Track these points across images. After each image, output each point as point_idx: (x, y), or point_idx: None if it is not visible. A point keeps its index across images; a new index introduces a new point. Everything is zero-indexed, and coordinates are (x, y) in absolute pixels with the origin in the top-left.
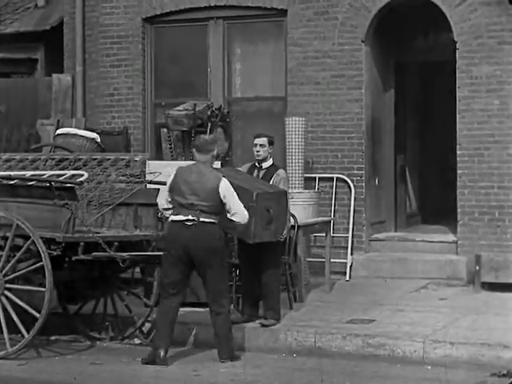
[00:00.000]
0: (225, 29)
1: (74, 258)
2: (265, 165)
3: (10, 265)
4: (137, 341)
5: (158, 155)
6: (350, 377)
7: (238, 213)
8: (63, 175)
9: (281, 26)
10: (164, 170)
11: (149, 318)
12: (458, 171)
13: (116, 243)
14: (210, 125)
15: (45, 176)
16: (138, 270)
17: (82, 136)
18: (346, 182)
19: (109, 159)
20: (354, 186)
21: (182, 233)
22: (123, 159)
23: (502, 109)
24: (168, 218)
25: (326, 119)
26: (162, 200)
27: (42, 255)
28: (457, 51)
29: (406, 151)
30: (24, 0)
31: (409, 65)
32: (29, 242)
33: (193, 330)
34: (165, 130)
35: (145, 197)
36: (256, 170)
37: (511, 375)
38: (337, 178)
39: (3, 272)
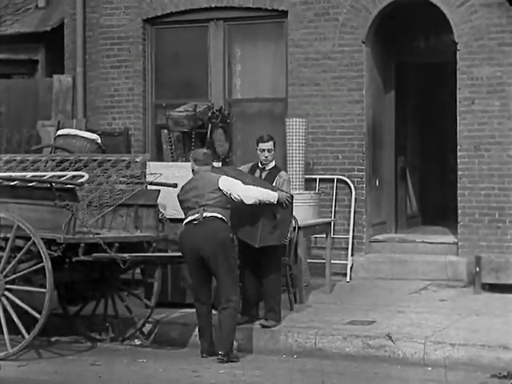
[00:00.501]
0: (225, 30)
1: (74, 259)
2: (268, 166)
3: (10, 266)
4: (137, 342)
5: (159, 156)
6: (351, 378)
7: (248, 196)
8: (64, 176)
9: (281, 28)
10: (165, 171)
11: (149, 319)
12: (459, 172)
13: (116, 244)
14: (210, 126)
15: (45, 177)
16: (138, 270)
17: (82, 137)
18: (346, 183)
19: (109, 160)
20: (355, 187)
21: (189, 232)
22: (124, 160)
23: (503, 110)
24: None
25: (326, 120)
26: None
27: (43, 256)
28: (457, 52)
29: (406, 152)
30: (25, 1)
31: (409, 66)
32: (29, 242)
33: (193, 331)
34: (165, 131)
35: (145, 198)
36: (258, 171)
37: (511, 376)
38: (337, 180)
39: (4, 273)
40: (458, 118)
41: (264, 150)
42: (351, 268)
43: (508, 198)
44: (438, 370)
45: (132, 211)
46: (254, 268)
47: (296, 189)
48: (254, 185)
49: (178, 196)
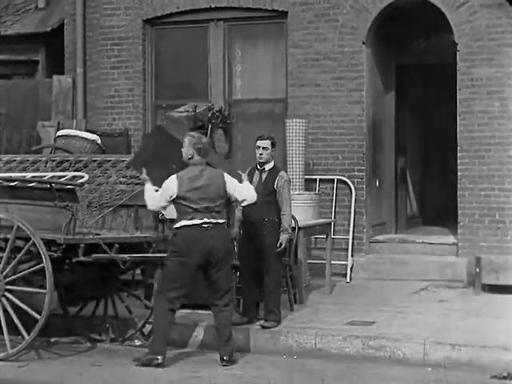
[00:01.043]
0: (225, 30)
1: (74, 260)
2: (267, 167)
3: (10, 266)
4: (137, 342)
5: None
6: (351, 378)
7: (248, 198)
8: (64, 177)
9: (281, 28)
10: None
11: (149, 320)
12: (459, 173)
13: (116, 245)
14: (210, 126)
15: (45, 177)
16: (138, 271)
17: (82, 138)
18: (346, 183)
19: (109, 161)
20: (355, 187)
21: (201, 236)
22: (124, 161)
23: (503, 111)
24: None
25: (326, 121)
26: (156, 205)
27: (43, 257)
28: (457, 53)
29: (406, 153)
30: (25, 2)
31: (409, 67)
32: (29, 243)
33: (193, 332)
34: None
35: None
36: (258, 173)
37: (511, 377)
38: (337, 180)
39: (4, 273)
40: (457, 118)
41: (259, 147)
42: (351, 268)
43: (508, 198)
44: (437, 370)
45: (132, 212)
46: (253, 268)
47: (296, 189)
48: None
49: (174, 193)
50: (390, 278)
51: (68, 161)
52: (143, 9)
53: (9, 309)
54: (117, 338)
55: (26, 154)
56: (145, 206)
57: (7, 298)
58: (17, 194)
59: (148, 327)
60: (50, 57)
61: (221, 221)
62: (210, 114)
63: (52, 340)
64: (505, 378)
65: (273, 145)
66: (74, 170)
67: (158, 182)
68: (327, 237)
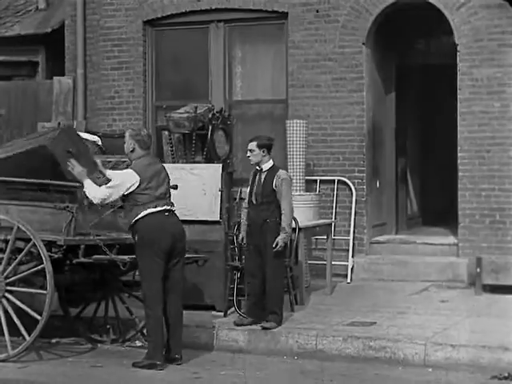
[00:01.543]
0: (226, 32)
1: (74, 261)
2: (265, 167)
3: (11, 267)
4: (138, 343)
5: (159, 158)
6: (351, 379)
7: None
8: None
9: (282, 29)
10: None
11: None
12: (459, 173)
13: (117, 246)
14: (211, 127)
15: None
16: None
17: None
18: (347, 184)
19: (110, 162)
20: (355, 188)
21: (167, 222)
22: (124, 162)
23: (503, 111)
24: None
25: (326, 122)
26: (110, 198)
27: (43, 258)
28: (458, 54)
29: (406, 154)
30: (25, 3)
31: (410, 67)
32: (30, 244)
33: (193, 333)
34: (166, 132)
35: None
36: (258, 173)
37: None
38: (338, 181)
39: (4, 274)
40: (458, 119)
41: (248, 150)
42: (352, 269)
43: (508, 199)
44: (438, 371)
45: None
46: (258, 270)
47: (296, 190)
48: None
49: (136, 180)
50: (391, 278)
51: None
52: (143, 10)
53: (9, 310)
54: (117, 338)
55: None
56: None
57: (8, 299)
58: (17, 195)
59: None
60: (50, 58)
61: (173, 208)
62: (210, 115)
63: (53, 341)
64: (505, 378)
65: (261, 146)
66: None
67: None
68: (328, 237)
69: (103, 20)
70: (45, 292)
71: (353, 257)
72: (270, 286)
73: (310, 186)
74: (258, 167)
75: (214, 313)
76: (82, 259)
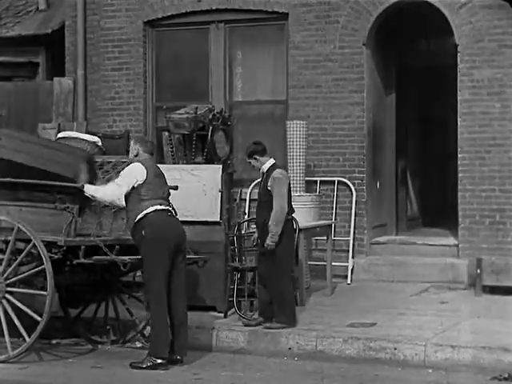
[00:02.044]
0: (226, 32)
1: (75, 262)
2: (264, 168)
3: (11, 268)
4: (138, 344)
5: (160, 158)
6: (352, 380)
7: None
8: None
9: (282, 30)
10: (165, 174)
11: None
12: (459, 174)
13: (117, 247)
14: (211, 128)
15: None
16: (139, 273)
17: (83, 139)
18: (347, 185)
19: (110, 162)
20: (355, 189)
21: (172, 222)
22: (124, 162)
23: (504, 112)
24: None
25: (327, 122)
26: (119, 196)
27: (44, 259)
28: (458, 54)
29: (407, 154)
30: (25, 3)
31: (410, 68)
32: (30, 245)
33: (194, 334)
34: (166, 133)
35: None
36: (262, 175)
37: None
38: (338, 182)
39: (5, 275)
40: (458, 119)
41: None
42: (352, 270)
43: (509, 199)
44: (438, 372)
45: None
46: (267, 270)
47: (297, 191)
48: None
49: (143, 177)
50: (391, 279)
51: None
52: (144, 10)
53: (10, 311)
54: (118, 339)
55: None
56: None
57: (8, 300)
58: (17, 196)
59: (149, 329)
60: (50, 59)
61: (173, 210)
62: (210, 116)
63: (53, 342)
64: (505, 379)
65: (250, 155)
66: None
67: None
68: (328, 238)
69: (103, 21)
70: (45, 293)
71: (353, 258)
72: (274, 286)
73: (310, 186)
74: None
75: (214, 314)
76: (83, 260)
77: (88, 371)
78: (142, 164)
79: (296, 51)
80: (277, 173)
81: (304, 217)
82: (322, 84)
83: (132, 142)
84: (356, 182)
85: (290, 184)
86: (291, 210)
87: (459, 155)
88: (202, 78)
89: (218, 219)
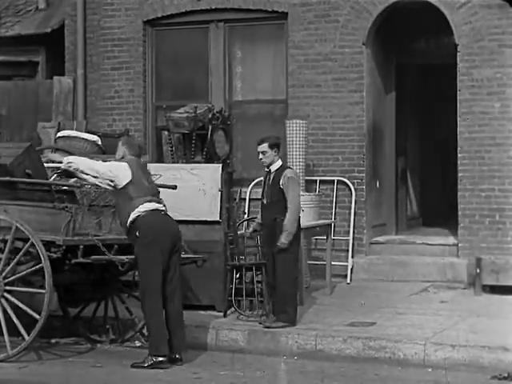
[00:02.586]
0: (226, 31)
1: (73, 261)
2: (273, 168)
3: (9, 267)
4: (137, 343)
5: (159, 158)
6: (351, 380)
7: None
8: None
9: (282, 29)
10: (165, 173)
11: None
12: (459, 174)
13: (116, 246)
14: (210, 127)
15: None
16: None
17: (82, 138)
18: (346, 184)
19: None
20: (355, 188)
21: (165, 221)
22: None
23: (503, 111)
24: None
25: (326, 122)
26: (96, 167)
27: (42, 257)
28: (458, 54)
29: (406, 154)
30: (25, 3)
31: (410, 67)
32: (28, 244)
33: (193, 333)
34: (166, 132)
35: None
36: (268, 174)
37: None
38: (337, 181)
39: (3, 274)
40: (458, 119)
41: (259, 153)
42: (351, 270)
43: (508, 199)
44: (438, 371)
45: None
46: (271, 269)
47: None
48: None
49: (130, 174)
50: (391, 279)
51: None
52: (144, 10)
53: (8, 310)
54: (117, 339)
55: None
56: None
57: (7, 299)
58: (16, 195)
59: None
60: (50, 58)
61: (165, 209)
62: (210, 115)
63: (52, 341)
64: (505, 378)
65: (273, 146)
66: None
67: None
68: (327, 238)
69: (103, 20)
70: (43, 291)
71: (352, 257)
72: (280, 285)
73: (309, 186)
74: (266, 168)
75: (213, 313)
76: (81, 259)
77: (87, 370)
78: (128, 163)
79: (296, 50)
80: (290, 172)
81: (303, 216)
82: (321, 83)
83: (120, 144)
84: (355, 181)
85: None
86: None
87: (459, 155)
88: (202, 78)
89: (218, 218)
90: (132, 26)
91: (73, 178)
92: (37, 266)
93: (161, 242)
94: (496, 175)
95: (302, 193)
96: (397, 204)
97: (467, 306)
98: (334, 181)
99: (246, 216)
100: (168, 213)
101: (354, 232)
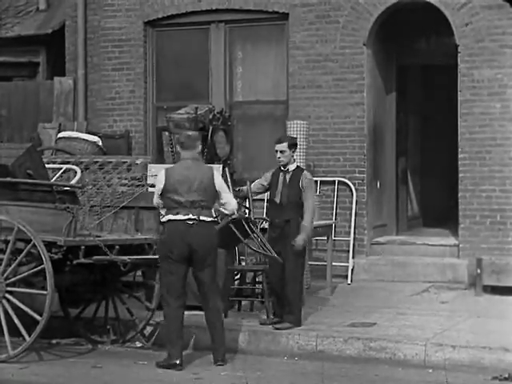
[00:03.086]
0: (226, 32)
1: (75, 262)
2: (291, 167)
3: (11, 268)
4: (138, 344)
5: (160, 158)
6: (352, 380)
7: (229, 203)
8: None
9: (282, 30)
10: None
11: (150, 322)
12: (460, 174)
13: (117, 247)
14: (211, 128)
15: None
16: (139, 273)
17: (83, 139)
18: (347, 185)
19: (110, 162)
20: (356, 189)
21: (185, 232)
22: (124, 162)
23: (504, 112)
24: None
25: (327, 123)
26: (156, 197)
27: (43, 258)
28: (458, 55)
29: (407, 154)
30: (26, 4)
31: (410, 68)
32: (30, 245)
33: (193, 334)
34: (166, 133)
35: (146, 200)
36: (282, 173)
37: None
38: (338, 182)
39: (5, 275)
40: (459, 120)
41: (277, 151)
42: (352, 270)
43: (509, 200)
44: (438, 372)
45: (133, 214)
46: (282, 270)
47: None
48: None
49: (161, 184)
50: (391, 279)
51: (69, 162)
52: (144, 10)
53: (10, 310)
54: (118, 339)
55: None
56: (145, 208)
57: (8, 300)
58: (17, 196)
59: (149, 329)
60: (50, 59)
61: (207, 219)
62: (210, 116)
63: (53, 342)
64: (506, 379)
65: (291, 146)
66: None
67: None
68: (328, 238)
69: (104, 21)
70: (45, 292)
71: (353, 258)
72: (290, 287)
73: None
74: (283, 168)
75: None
76: (83, 260)
77: (88, 371)
78: (166, 171)
79: (296, 51)
80: (308, 174)
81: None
82: (322, 84)
83: (176, 139)
84: (356, 182)
85: None
86: None
87: (460, 155)
88: (203, 78)
89: (218, 219)
90: (133, 27)
91: None
92: (38, 267)
93: (172, 252)
94: (497, 176)
95: None
96: (397, 204)
97: (468, 307)
98: (334, 181)
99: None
100: (203, 220)
101: (354, 232)
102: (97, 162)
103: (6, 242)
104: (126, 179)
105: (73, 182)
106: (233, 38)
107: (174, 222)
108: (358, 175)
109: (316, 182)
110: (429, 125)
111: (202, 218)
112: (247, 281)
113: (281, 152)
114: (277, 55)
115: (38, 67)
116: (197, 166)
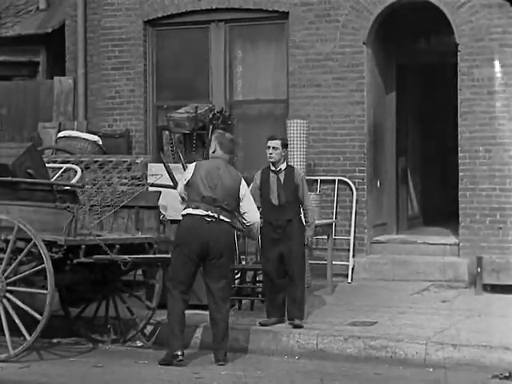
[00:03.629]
0: (226, 31)
1: (75, 261)
2: (282, 167)
3: (11, 267)
4: (139, 343)
5: (160, 158)
6: (352, 379)
7: (250, 213)
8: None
9: (282, 29)
10: (165, 173)
11: (151, 321)
12: (460, 173)
13: (117, 246)
14: (211, 127)
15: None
16: (139, 272)
17: (83, 139)
18: (347, 184)
19: (110, 162)
20: (356, 188)
21: (202, 227)
22: (125, 162)
23: (504, 111)
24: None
25: (327, 121)
26: (182, 187)
27: (44, 258)
28: (458, 53)
29: (407, 153)
30: (26, 3)
31: (410, 67)
32: (30, 244)
33: (194, 333)
34: (166, 132)
35: (146, 199)
36: (274, 174)
37: None
38: (338, 181)
39: (5, 274)
40: (458, 119)
41: (269, 147)
42: (352, 269)
43: (509, 198)
44: (439, 370)
45: (133, 213)
46: (281, 271)
47: None
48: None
49: (189, 176)
50: (392, 278)
51: (69, 162)
52: (144, 10)
53: (10, 310)
54: (118, 338)
55: None
56: (146, 208)
57: (8, 299)
58: (18, 195)
59: (149, 328)
60: (50, 58)
61: (225, 219)
62: (210, 115)
63: (53, 341)
64: (506, 378)
65: (284, 145)
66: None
67: None
68: (328, 237)
69: (104, 20)
70: (45, 292)
71: (353, 257)
72: (297, 286)
73: (310, 185)
74: (273, 167)
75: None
76: (83, 259)
77: (89, 370)
78: (196, 163)
79: (296, 50)
80: (301, 171)
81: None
82: (322, 83)
83: (213, 137)
84: (356, 180)
85: None
86: None
87: (460, 154)
88: (203, 78)
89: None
90: (132, 26)
91: None
92: (39, 267)
93: (185, 246)
94: (497, 174)
95: None
96: (398, 203)
97: (468, 306)
98: (334, 180)
99: None
100: (222, 219)
101: (355, 231)
102: (97, 161)
103: (7, 242)
104: (126, 178)
105: (73, 181)
106: (233, 37)
107: (193, 216)
108: (358, 174)
109: (316, 180)
110: (429, 124)
111: (221, 217)
112: (247, 280)
113: (273, 148)
114: (277, 54)
115: (38, 66)
116: (227, 168)
